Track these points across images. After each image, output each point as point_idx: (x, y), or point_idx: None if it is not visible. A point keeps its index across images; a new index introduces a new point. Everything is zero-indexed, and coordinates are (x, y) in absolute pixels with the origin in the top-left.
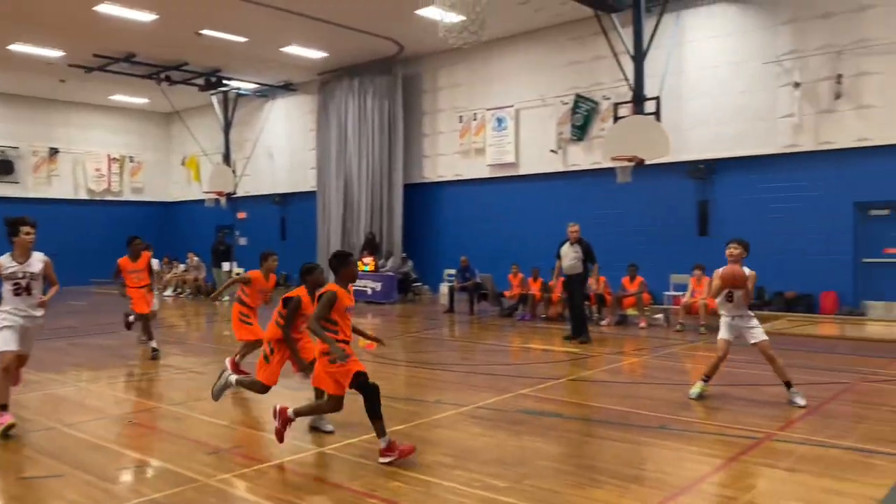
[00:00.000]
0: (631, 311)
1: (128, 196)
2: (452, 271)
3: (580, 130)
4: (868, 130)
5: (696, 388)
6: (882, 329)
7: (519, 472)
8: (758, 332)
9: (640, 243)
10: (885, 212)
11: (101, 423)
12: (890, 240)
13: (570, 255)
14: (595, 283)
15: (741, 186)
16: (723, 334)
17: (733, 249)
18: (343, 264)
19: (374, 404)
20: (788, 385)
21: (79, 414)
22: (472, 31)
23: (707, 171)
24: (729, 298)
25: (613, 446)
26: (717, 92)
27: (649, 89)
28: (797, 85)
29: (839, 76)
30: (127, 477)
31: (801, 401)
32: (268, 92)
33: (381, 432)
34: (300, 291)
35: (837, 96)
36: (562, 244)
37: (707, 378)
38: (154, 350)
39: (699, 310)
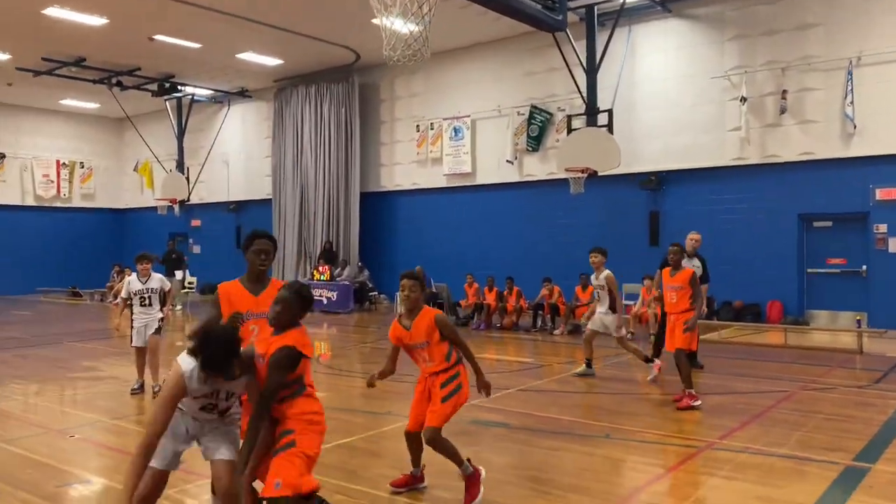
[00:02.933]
0: (583, 321)
1: (78, 203)
2: None
3: (535, 141)
4: (811, 145)
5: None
6: (825, 338)
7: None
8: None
9: None
10: (828, 224)
11: (43, 438)
12: (832, 251)
13: None
14: (704, 306)
15: (691, 197)
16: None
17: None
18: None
19: None
20: (648, 359)
21: (20, 429)
22: (415, 50)
23: (658, 182)
24: None
25: (557, 456)
26: (667, 105)
27: (602, 101)
28: (744, 100)
29: (784, 92)
30: (66, 494)
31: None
32: (223, 98)
33: None
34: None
35: (782, 111)
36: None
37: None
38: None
39: (649, 319)
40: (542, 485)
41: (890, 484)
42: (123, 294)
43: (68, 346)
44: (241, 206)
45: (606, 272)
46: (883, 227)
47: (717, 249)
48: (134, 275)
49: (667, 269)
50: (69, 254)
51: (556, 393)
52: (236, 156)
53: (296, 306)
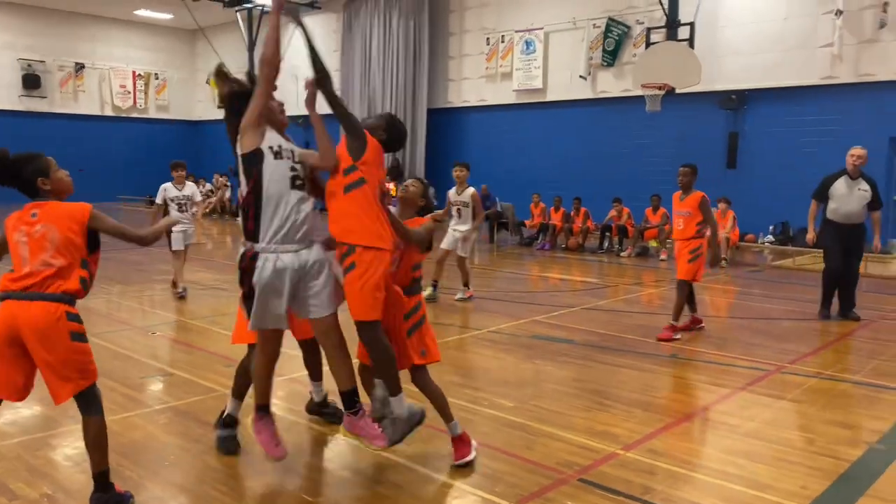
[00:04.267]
0: (652, 243)
1: (153, 114)
2: None
3: (611, 56)
4: None
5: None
6: None
7: (526, 392)
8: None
9: (665, 174)
10: None
11: (127, 333)
12: None
13: (853, 197)
14: (879, 242)
15: (773, 118)
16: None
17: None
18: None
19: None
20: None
21: (106, 325)
22: None
23: (739, 101)
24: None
25: (621, 372)
26: (754, 18)
27: (684, 14)
28: (839, 13)
29: (885, 4)
30: (149, 385)
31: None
32: (292, 10)
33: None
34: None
35: (881, 25)
36: (831, 178)
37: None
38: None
39: (721, 243)
40: (605, 398)
41: None
42: (158, 200)
43: (147, 251)
44: (309, 122)
45: (471, 189)
46: None
47: (798, 173)
48: (170, 182)
49: (677, 194)
50: (147, 164)
51: (622, 313)
52: (305, 70)
53: (383, 129)
